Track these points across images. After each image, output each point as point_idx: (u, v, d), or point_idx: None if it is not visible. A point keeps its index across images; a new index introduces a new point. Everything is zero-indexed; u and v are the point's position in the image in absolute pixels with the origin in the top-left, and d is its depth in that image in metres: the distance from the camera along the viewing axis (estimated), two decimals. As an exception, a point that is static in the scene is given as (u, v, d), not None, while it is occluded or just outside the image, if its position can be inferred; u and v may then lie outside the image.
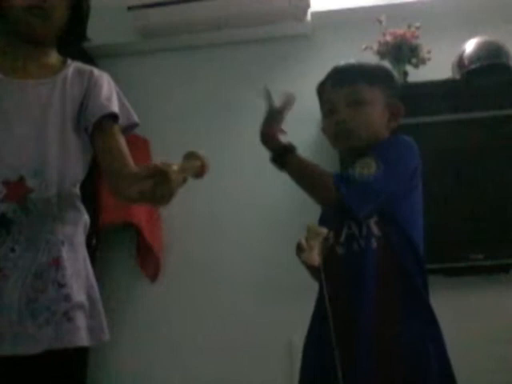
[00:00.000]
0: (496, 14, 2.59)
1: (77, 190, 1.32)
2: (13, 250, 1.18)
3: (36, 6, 1.24)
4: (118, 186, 1.27)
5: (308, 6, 2.64)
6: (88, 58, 2.65)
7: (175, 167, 1.08)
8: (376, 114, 1.39)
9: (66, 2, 1.31)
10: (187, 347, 2.56)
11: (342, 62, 1.47)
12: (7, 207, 1.18)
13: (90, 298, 1.27)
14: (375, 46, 2.50)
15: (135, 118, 1.38)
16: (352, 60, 1.47)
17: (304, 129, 2.58)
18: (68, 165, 1.27)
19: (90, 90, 1.33)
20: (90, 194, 1.42)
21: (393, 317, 1.24)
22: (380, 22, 2.51)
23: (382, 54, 2.49)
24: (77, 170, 1.30)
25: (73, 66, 1.37)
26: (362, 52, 2.46)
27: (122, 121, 1.33)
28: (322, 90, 1.49)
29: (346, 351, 1.24)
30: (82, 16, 1.38)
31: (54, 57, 1.37)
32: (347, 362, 1.22)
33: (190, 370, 2.52)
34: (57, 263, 1.21)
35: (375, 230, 1.29)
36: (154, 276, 2.66)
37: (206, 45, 2.82)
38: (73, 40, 1.40)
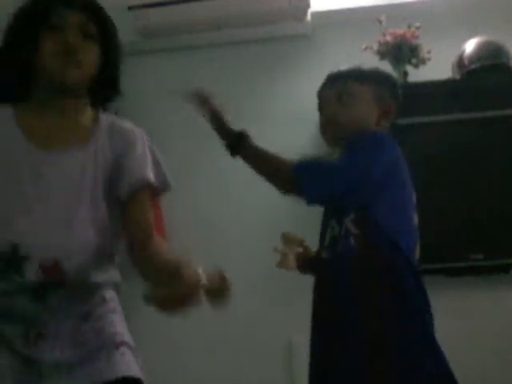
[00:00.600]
0: (496, 14, 2.59)
1: (112, 258, 1.30)
2: (53, 315, 1.18)
3: (69, 51, 1.21)
4: (138, 265, 1.25)
5: (308, 5, 2.65)
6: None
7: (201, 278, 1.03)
8: (363, 111, 1.40)
9: (97, 51, 1.27)
10: (187, 347, 2.56)
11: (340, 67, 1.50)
12: (45, 283, 1.16)
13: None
14: (375, 46, 2.50)
15: (169, 181, 1.33)
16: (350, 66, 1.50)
17: (303, 128, 2.58)
18: (100, 240, 1.23)
19: (123, 155, 1.26)
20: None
21: (377, 314, 1.24)
22: (380, 22, 2.51)
23: (382, 54, 2.49)
24: (111, 244, 1.27)
25: (105, 123, 1.31)
26: (361, 52, 2.46)
27: (156, 186, 1.29)
28: (318, 93, 1.51)
29: (336, 348, 1.26)
30: (113, 65, 1.33)
31: (87, 112, 1.32)
32: (338, 358, 1.25)
33: (190, 370, 2.52)
34: (90, 316, 1.23)
35: (352, 228, 1.28)
36: (154, 276, 2.66)
37: (205, 45, 2.82)
38: (105, 93, 1.35)
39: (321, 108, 1.48)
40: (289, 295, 2.47)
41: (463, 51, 2.50)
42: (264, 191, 2.77)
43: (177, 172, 3.01)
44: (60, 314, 1.18)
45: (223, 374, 2.46)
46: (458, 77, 2.50)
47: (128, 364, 1.21)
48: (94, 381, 1.15)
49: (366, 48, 2.48)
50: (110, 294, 1.29)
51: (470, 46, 2.49)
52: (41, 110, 1.26)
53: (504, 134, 2.39)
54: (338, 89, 1.42)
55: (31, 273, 1.14)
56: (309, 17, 2.69)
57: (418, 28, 2.48)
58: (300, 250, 1.50)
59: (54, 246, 1.17)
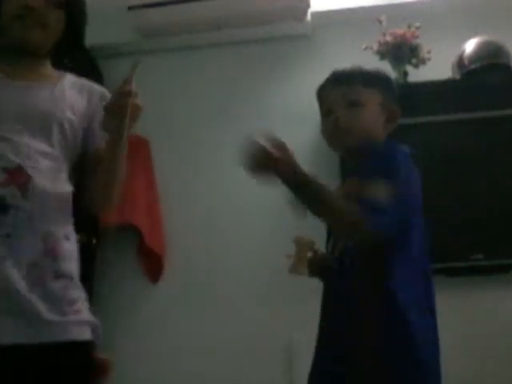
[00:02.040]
0: (496, 14, 2.59)
1: (70, 191, 1.33)
2: (8, 235, 1.17)
3: (31, 14, 1.26)
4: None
5: (308, 6, 2.65)
6: (88, 57, 2.65)
7: None
8: (372, 115, 1.39)
9: (60, 10, 1.32)
10: (188, 347, 2.56)
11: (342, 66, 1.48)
12: (6, 191, 1.18)
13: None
14: (375, 46, 2.50)
15: None
16: (351, 65, 1.48)
17: (304, 129, 2.58)
18: (57, 164, 1.30)
19: (97, 112, 1.35)
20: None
21: (372, 329, 1.23)
22: (380, 21, 2.51)
23: (382, 54, 2.49)
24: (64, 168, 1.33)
25: (68, 76, 1.40)
26: (361, 52, 2.46)
27: None
28: (321, 92, 1.50)
29: (341, 355, 1.25)
30: (77, 24, 1.39)
31: (50, 68, 1.40)
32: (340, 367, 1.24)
33: (190, 370, 2.52)
34: (55, 253, 1.22)
35: None
36: (155, 277, 2.66)
37: (205, 45, 2.82)
38: (69, 49, 1.42)
39: (327, 110, 1.44)
40: (289, 295, 2.47)
41: (463, 51, 2.50)
42: (264, 191, 2.77)
43: (176, 172, 3.02)
44: (17, 234, 1.18)
45: (223, 373, 2.46)
46: (457, 77, 2.50)
47: (82, 325, 1.22)
48: (43, 340, 1.15)
49: (365, 48, 2.48)
50: (70, 236, 1.30)
51: (470, 45, 2.49)
52: (5, 67, 1.31)
53: (504, 134, 2.39)
54: (345, 92, 1.39)
55: None
56: (309, 17, 2.69)
57: (418, 28, 2.48)
58: (310, 254, 1.48)
59: (18, 153, 1.21)
